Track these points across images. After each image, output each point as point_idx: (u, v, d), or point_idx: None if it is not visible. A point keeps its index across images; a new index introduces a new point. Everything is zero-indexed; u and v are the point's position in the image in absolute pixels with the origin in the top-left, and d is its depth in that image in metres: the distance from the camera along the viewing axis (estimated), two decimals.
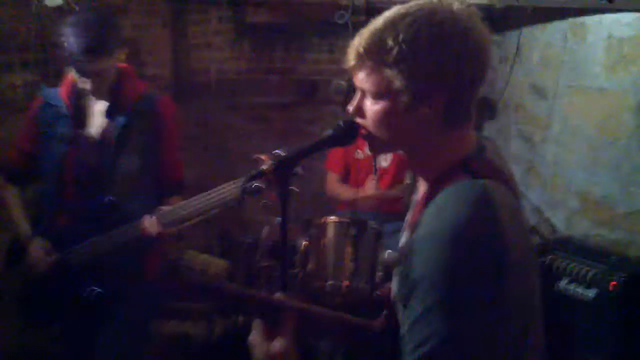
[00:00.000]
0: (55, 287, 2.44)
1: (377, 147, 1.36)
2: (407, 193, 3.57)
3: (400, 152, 1.38)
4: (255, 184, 1.56)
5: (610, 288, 2.54)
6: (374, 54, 1.24)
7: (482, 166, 1.26)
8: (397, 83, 1.22)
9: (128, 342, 2.51)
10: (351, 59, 1.28)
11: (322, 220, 3.00)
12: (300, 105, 4.72)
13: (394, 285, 1.36)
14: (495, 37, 3.78)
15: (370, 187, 3.60)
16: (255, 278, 3.15)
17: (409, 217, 1.48)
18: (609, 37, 2.90)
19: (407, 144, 1.31)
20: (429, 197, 1.26)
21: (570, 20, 3.16)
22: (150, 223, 2.34)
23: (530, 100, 3.56)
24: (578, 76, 3.11)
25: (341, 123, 1.42)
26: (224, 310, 1.28)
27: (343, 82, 4.17)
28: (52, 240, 2.46)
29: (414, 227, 1.25)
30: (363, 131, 1.34)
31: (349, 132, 1.39)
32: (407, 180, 3.48)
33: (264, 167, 1.46)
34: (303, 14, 4.55)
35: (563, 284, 2.69)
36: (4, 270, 2.56)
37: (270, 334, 1.28)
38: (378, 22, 1.26)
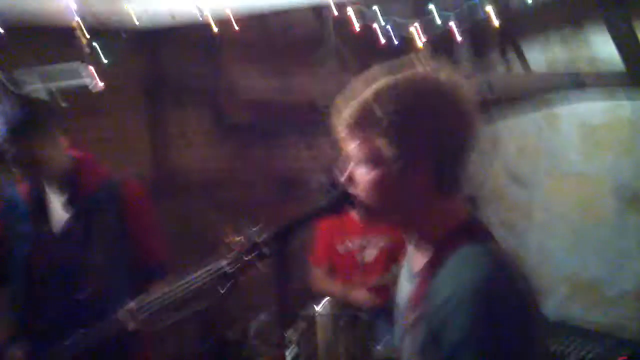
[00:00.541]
0: None
1: (371, 216, 1.35)
2: (393, 282, 3.52)
3: (394, 221, 1.36)
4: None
5: None
6: (364, 124, 1.25)
7: (481, 230, 1.29)
8: (388, 152, 1.23)
9: None
10: (341, 130, 1.29)
11: (311, 313, 2.92)
12: (281, 202, 4.72)
13: (408, 350, 1.31)
14: None
15: (357, 283, 3.50)
16: None
17: (408, 291, 1.44)
18: (582, 125, 2.99)
19: (400, 212, 1.30)
20: (435, 264, 1.25)
21: (544, 111, 3.27)
22: (125, 317, 2.15)
23: (510, 189, 3.61)
24: (556, 163, 3.19)
25: (333, 192, 1.40)
26: None
27: (323, 178, 4.22)
28: (30, 346, 2.27)
29: (422, 297, 1.25)
30: (356, 200, 1.32)
31: (342, 201, 1.36)
32: (393, 271, 3.45)
33: (258, 239, 1.44)
34: (281, 113, 4.65)
35: None
36: None
37: None
38: (367, 93, 1.27)
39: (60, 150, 2.31)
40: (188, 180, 4.62)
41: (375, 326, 2.98)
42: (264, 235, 1.48)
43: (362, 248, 3.58)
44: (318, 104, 4.31)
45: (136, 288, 2.29)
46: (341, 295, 3.38)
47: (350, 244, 3.56)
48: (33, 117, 2.23)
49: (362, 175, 1.28)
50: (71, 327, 2.19)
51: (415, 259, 1.38)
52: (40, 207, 2.35)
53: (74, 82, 3.26)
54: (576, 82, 2.91)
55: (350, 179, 1.32)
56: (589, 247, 2.98)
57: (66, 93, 3.30)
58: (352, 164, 1.31)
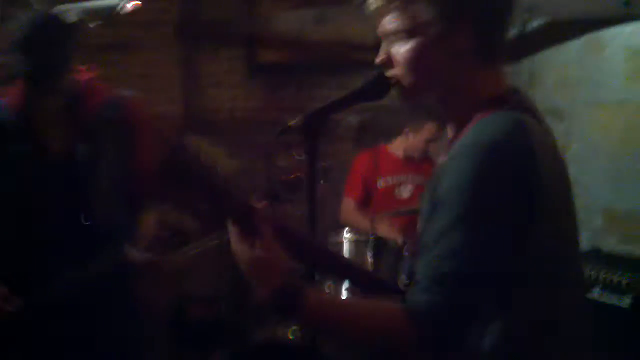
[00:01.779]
0: (30, 333, 2.10)
1: (411, 93, 1.28)
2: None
3: (435, 94, 1.29)
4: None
5: None
6: None
7: (519, 102, 1.22)
8: (427, 15, 1.18)
9: None
10: (374, 3, 1.23)
11: (338, 239, 2.90)
12: None
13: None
14: (508, 68, 3.77)
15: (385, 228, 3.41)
16: None
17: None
18: (628, 48, 2.87)
19: (441, 82, 1.24)
20: (463, 129, 1.21)
21: (586, 36, 3.14)
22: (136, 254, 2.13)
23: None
24: (596, 92, 3.07)
25: (370, 76, 1.34)
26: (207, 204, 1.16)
27: (353, 119, 4.16)
28: (15, 278, 2.09)
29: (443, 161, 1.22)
30: (394, 80, 1.26)
31: (380, 84, 1.30)
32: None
33: (293, 122, 1.38)
34: (313, 54, 4.58)
35: (596, 292, 2.56)
36: None
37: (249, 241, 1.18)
38: None
39: (70, 71, 2.17)
40: (218, 119, 4.61)
41: (403, 256, 2.95)
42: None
43: (400, 184, 3.57)
44: (352, 42, 4.25)
45: (133, 217, 2.25)
46: (370, 228, 3.33)
47: (389, 179, 3.55)
48: (49, 33, 2.10)
49: (400, 49, 1.22)
50: (70, 258, 2.07)
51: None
52: (35, 124, 2.19)
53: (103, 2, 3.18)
54: (624, 4, 2.77)
55: (386, 58, 1.26)
56: (626, 177, 2.87)
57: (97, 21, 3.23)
58: (386, 42, 1.26)
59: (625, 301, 2.49)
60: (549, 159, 1.13)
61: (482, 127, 1.15)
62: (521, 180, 1.08)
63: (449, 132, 1.31)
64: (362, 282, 1.41)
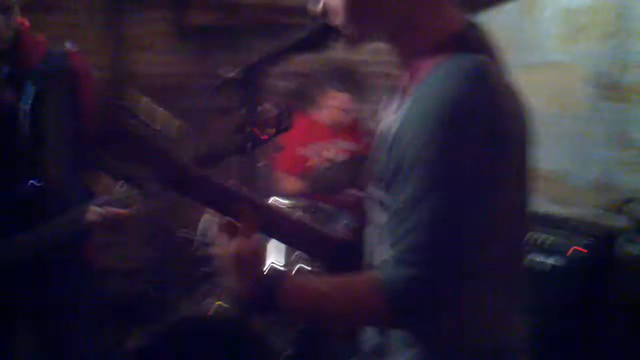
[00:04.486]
0: None
1: (357, 39, 1.20)
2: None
3: (381, 34, 1.20)
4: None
5: (569, 254, 2.44)
6: None
7: (477, 40, 1.14)
8: None
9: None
10: None
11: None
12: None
13: (371, 188, 1.22)
14: None
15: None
16: (193, 269, 2.93)
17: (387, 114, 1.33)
18: (566, 9, 2.89)
19: (387, 22, 1.17)
20: (420, 74, 1.13)
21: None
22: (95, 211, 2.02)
23: None
24: (532, 53, 3.09)
25: (314, 24, 1.25)
26: (161, 185, 1.10)
27: (289, 84, 4.09)
28: None
29: (399, 109, 1.16)
30: (337, 29, 1.19)
31: (323, 33, 1.22)
32: None
33: (231, 74, 1.30)
34: (245, 17, 4.46)
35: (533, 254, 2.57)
36: None
37: (230, 230, 1.13)
38: None
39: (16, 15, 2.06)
40: (148, 84, 4.42)
41: (337, 215, 2.98)
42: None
43: (327, 150, 3.54)
44: (285, 5, 4.15)
45: (81, 176, 2.16)
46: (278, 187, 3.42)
47: (319, 146, 3.54)
48: None
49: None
50: (18, 223, 2.00)
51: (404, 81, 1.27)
52: None
53: None
54: None
55: (324, 9, 1.18)
56: (556, 138, 2.91)
57: None
58: None
59: (548, 263, 2.48)
60: (509, 100, 1.08)
61: (443, 78, 1.06)
62: (492, 139, 1.01)
63: (404, 76, 1.23)
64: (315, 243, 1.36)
